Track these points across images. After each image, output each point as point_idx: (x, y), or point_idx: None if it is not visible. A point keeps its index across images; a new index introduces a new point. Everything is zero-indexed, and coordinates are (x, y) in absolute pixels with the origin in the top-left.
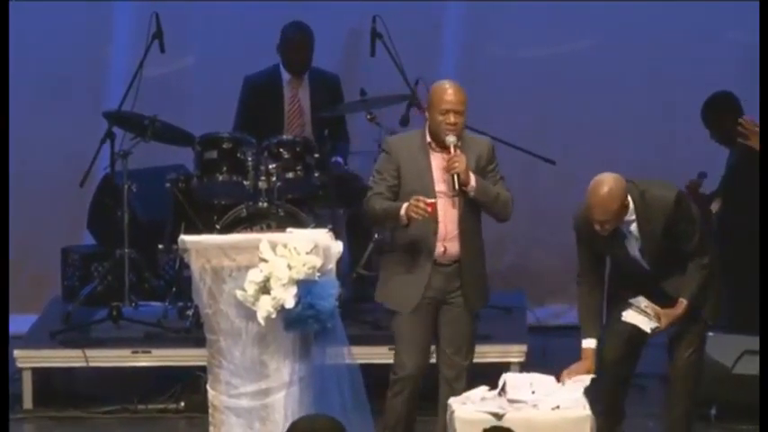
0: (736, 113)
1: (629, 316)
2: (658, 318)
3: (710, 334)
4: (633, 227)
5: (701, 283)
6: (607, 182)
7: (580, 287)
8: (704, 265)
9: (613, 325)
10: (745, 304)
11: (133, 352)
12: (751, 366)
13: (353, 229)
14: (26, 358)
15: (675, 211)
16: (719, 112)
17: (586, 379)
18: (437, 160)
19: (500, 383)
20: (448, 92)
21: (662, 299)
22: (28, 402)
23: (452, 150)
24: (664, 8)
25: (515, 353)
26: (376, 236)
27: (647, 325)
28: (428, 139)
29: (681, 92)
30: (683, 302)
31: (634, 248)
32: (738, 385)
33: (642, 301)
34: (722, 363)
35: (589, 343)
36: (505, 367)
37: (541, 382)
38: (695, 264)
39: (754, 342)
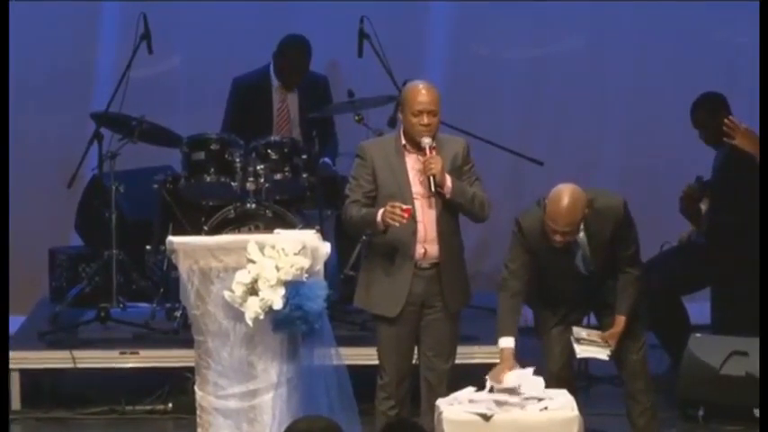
0: (725, 114)
1: (582, 352)
2: (606, 341)
3: (698, 335)
4: (581, 235)
5: (636, 298)
6: (569, 192)
7: (503, 290)
8: (637, 278)
9: (551, 342)
10: (731, 304)
11: (121, 353)
12: (738, 367)
13: (341, 231)
14: (14, 359)
15: (623, 218)
16: (708, 112)
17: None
18: (412, 162)
19: (488, 385)
20: (421, 92)
21: (588, 306)
22: (15, 403)
23: (428, 152)
24: (650, 8)
25: None
26: (364, 237)
27: (602, 354)
28: (403, 141)
29: (668, 92)
30: (621, 319)
31: (579, 258)
32: (726, 386)
33: (582, 332)
34: (710, 364)
35: (507, 342)
36: (493, 368)
37: (530, 383)
38: (628, 277)
39: (741, 343)
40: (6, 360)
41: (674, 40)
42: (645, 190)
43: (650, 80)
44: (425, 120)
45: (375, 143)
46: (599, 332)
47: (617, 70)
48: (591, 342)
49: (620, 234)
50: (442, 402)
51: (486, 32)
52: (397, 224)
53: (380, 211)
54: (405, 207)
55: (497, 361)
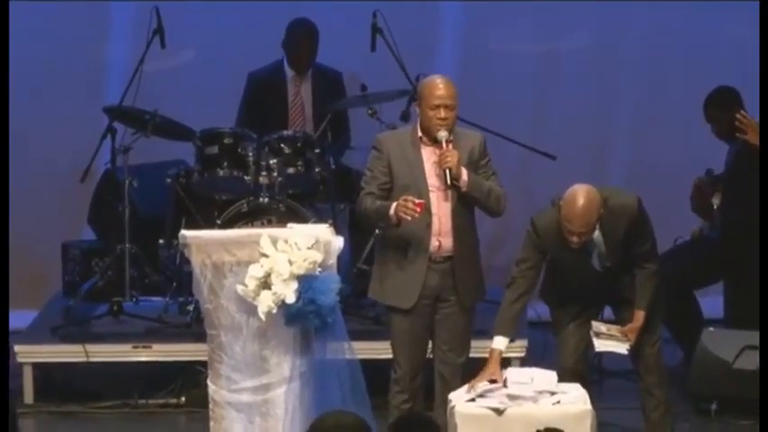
0: (738, 109)
1: (601, 346)
2: (625, 335)
3: (711, 329)
4: (596, 234)
5: (653, 292)
6: (584, 193)
7: (510, 290)
8: (655, 272)
9: (567, 336)
10: (745, 299)
11: (134, 347)
12: (751, 361)
13: (355, 224)
14: (27, 353)
15: (639, 216)
16: (721, 107)
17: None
18: (428, 154)
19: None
20: (438, 86)
21: (604, 301)
22: (29, 397)
23: (444, 145)
24: (662, 3)
25: (516, 348)
26: (377, 231)
27: (622, 348)
28: (419, 133)
29: (679, 87)
30: (641, 314)
31: (595, 256)
32: (739, 380)
33: (601, 327)
34: (723, 358)
35: (499, 342)
36: (506, 362)
37: (542, 377)
38: (646, 272)
39: (754, 337)
40: (7, 357)
41: (685, 36)
42: (657, 184)
43: (662, 75)
44: (442, 114)
45: (391, 135)
46: (618, 327)
47: (629, 65)
48: (610, 336)
49: (635, 231)
50: (454, 396)
51: (499, 27)
52: (410, 218)
53: (393, 205)
54: (417, 201)
55: (510, 355)
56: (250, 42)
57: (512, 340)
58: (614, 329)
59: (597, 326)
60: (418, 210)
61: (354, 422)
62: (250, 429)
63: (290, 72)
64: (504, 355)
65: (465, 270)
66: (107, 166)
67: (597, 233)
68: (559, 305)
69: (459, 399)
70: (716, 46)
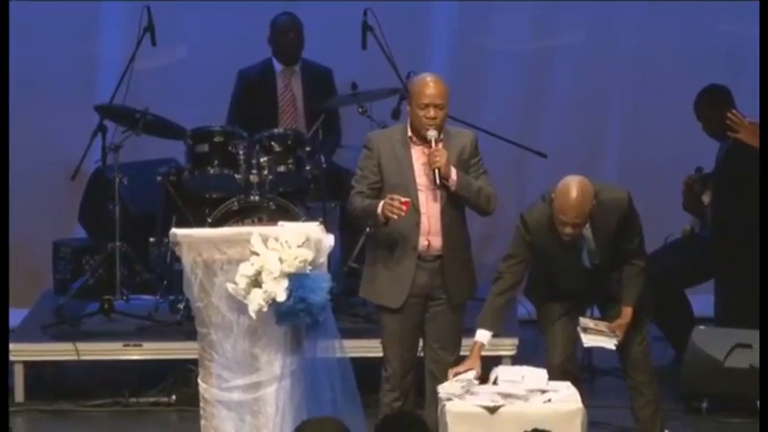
0: (728, 107)
1: (589, 341)
2: (613, 331)
3: (701, 328)
4: (586, 230)
5: (641, 289)
6: (576, 184)
7: (497, 283)
8: (642, 269)
9: (555, 334)
10: (736, 297)
11: (124, 345)
12: (742, 360)
13: (345, 223)
14: (18, 352)
15: (628, 211)
16: (712, 104)
17: (470, 375)
18: (418, 154)
19: (492, 376)
20: (428, 85)
21: (593, 299)
22: (19, 395)
23: (433, 145)
24: (654, 2)
25: (507, 346)
26: (368, 229)
27: (609, 343)
28: (409, 132)
29: (672, 84)
30: (628, 310)
31: (585, 253)
32: (730, 378)
33: (588, 322)
34: (713, 356)
35: (482, 335)
36: (497, 360)
37: (533, 375)
38: (634, 268)
39: (745, 335)
40: (6, 353)
41: (679, 32)
42: (649, 182)
43: (655, 72)
44: (432, 113)
45: (382, 134)
46: (605, 322)
47: (621, 62)
48: (597, 332)
49: (625, 227)
50: (442, 389)
51: (491, 25)
52: (396, 217)
53: (380, 204)
54: (403, 200)
55: (502, 353)
56: (241, 41)
57: (495, 335)
58: (602, 325)
59: (584, 321)
60: (404, 208)
61: (336, 429)
62: (241, 428)
63: (278, 67)
64: (496, 353)
65: (454, 269)
66: (97, 164)
67: (587, 229)
68: (547, 302)
69: (447, 392)
70: (710, 44)
